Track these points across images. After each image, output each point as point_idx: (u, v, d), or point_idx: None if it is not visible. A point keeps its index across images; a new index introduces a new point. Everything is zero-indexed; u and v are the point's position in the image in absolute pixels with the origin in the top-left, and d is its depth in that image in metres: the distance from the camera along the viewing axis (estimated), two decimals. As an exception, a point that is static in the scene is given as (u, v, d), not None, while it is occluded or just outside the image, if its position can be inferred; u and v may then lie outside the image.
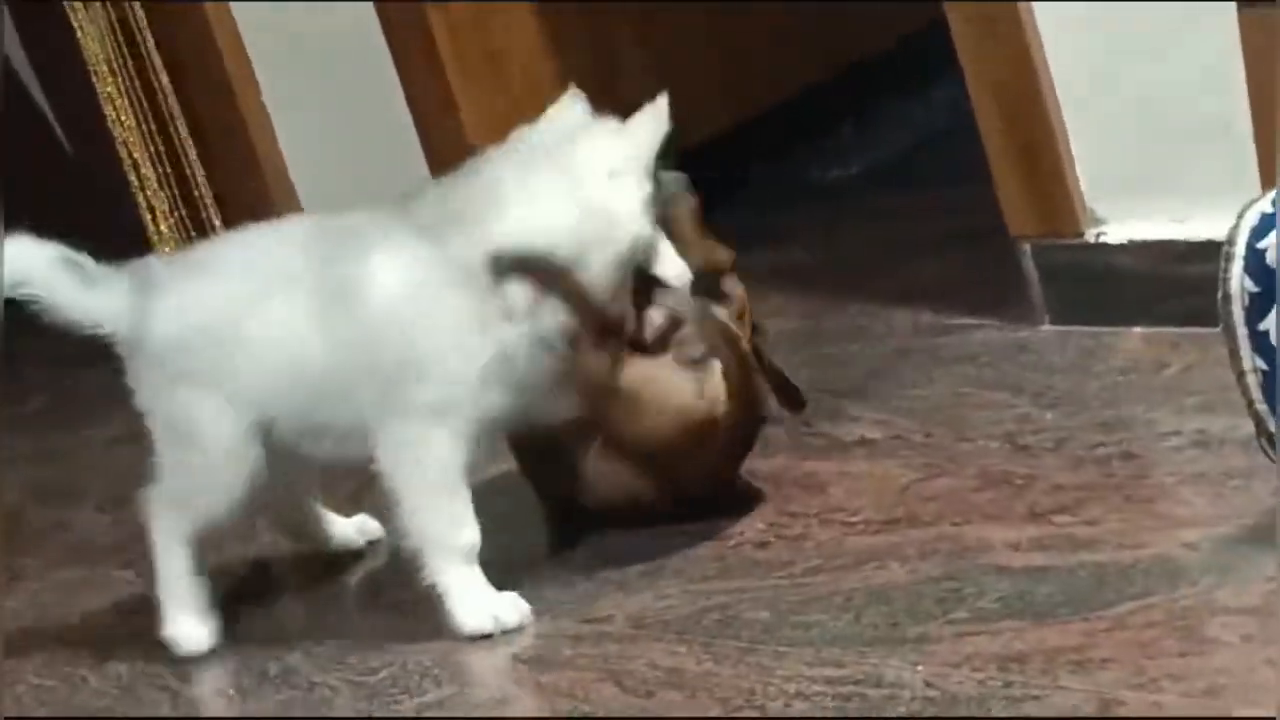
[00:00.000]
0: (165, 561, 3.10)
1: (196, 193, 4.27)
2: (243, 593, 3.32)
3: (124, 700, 3.07)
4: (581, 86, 4.20)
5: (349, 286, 2.96)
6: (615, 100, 4.22)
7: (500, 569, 3.06)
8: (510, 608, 2.93)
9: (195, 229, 4.27)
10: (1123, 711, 2.37)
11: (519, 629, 2.90)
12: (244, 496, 3.04)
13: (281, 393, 2.99)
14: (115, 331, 3.07)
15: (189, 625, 3.09)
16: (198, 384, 3.02)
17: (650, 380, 3.03)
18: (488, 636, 2.89)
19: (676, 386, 3.03)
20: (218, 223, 4.26)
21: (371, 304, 2.94)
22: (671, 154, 3.02)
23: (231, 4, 4.28)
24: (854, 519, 2.99)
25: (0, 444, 4.24)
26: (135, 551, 3.49)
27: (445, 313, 2.92)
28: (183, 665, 3.12)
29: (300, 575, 3.34)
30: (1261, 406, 1.94)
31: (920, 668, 2.56)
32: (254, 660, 3.07)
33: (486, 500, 3.10)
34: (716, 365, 3.02)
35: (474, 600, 2.93)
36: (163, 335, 3.03)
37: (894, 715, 2.48)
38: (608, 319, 2.96)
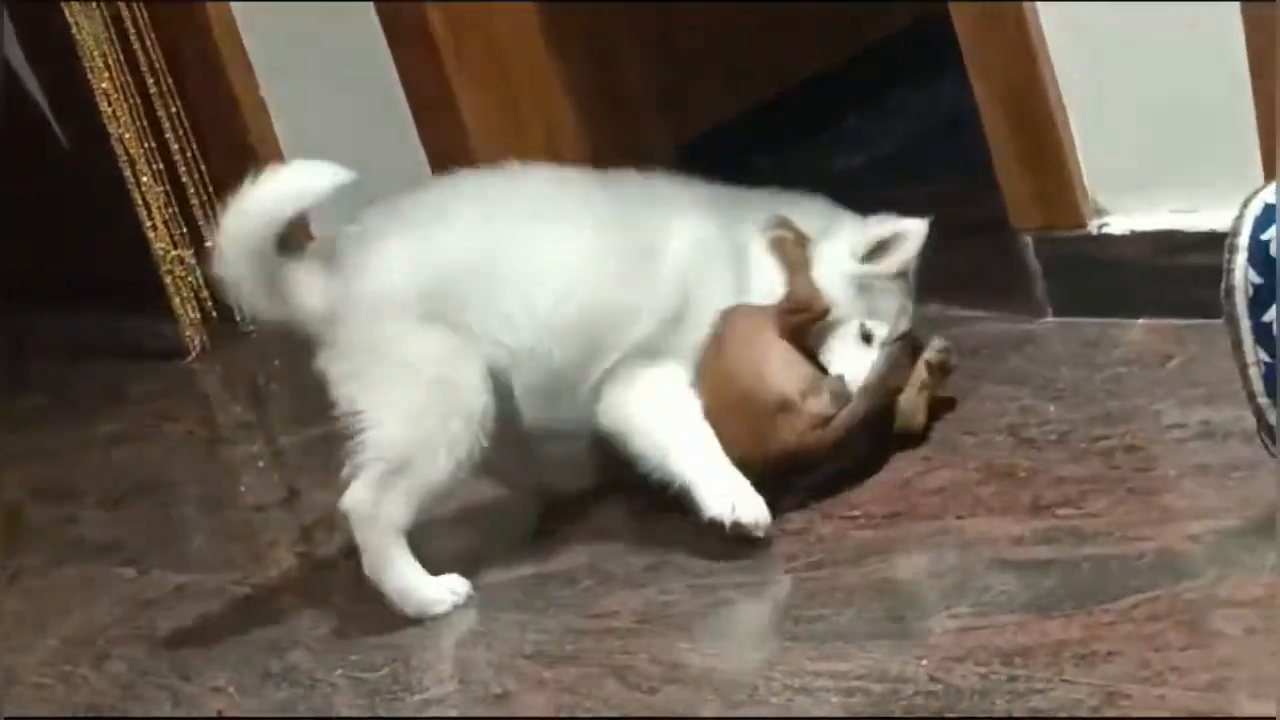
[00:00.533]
0: (390, 557, 3.02)
1: (193, 189, 4.27)
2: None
3: (124, 699, 3.07)
4: (582, 82, 4.24)
5: (647, 242, 3.12)
6: (615, 95, 4.26)
7: (502, 565, 3.08)
8: (752, 503, 2.97)
9: (190, 225, 4.26)
10: (1127, 705, 2.36)
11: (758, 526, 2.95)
12: (475, 452, 3.01)
13: (532, 336, 3.05)
14: (312, 309, 3.04)
15: (432, 587, 3.05)
16: (439, 326, 3.02)
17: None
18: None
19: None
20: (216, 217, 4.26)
21: (664, 260, 3.11)
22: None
23: (230, 2, 4.29)
24: (856, 513, 2.99)
25: (1, 442, 4.25)
26: (135, 549, 3.51)
27: (718, 280, 3.13)
28: (181, 663, 3.12)
29: (298, 570, 3.34)
30: (1264, 400, 1.94)
31: (924, 661, 2.56)
32: (255, 658, 3.08)
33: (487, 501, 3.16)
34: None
35: (720, 488, 2.98)
36: (392, 282, 3.03)
37: (898, 709, 2.48)
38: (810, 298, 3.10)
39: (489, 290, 3.04)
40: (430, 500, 3.01)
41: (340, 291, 3.02)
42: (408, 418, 3.00)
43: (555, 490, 3.25)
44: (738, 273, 3.17)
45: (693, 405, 3.06)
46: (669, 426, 3.05)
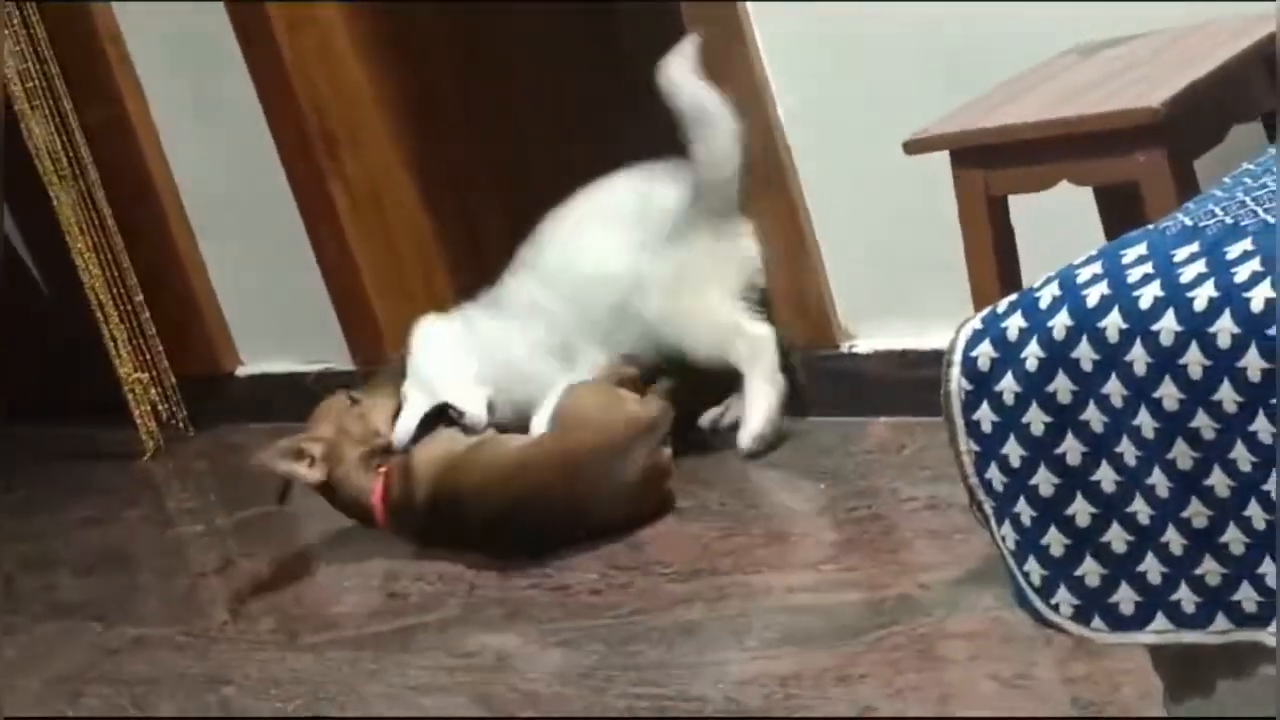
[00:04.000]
0: None
1: (148, 324, 4.25)
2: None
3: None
4: (448, 230, 4.21)
5: None
6: (475, 240, 4.24)
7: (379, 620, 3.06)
8: None
9: (146, 353, 4.23)
10: (876, 715, 2.38)
11: None
12: None
13: None
14: None
15: None
16: None
17: None
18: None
19: None
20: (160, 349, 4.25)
21: None
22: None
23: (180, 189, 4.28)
24: (668, 570, 2.98)
25: (-6, 525, 4.21)
26: (102, 608, 3.46)
27: None
28: (139, 699, 3.08)
29: (231, 624, 3.31)
30: (973, 480, 1.94)
31: (720, 684, 2.57)
32: (196, 692, 3.05)
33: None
34: None
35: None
36: None
37: (700, 724, 2.49)
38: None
39: None
40: None
41: None
42: None
43: None
44: None
45: None
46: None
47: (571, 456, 3.15)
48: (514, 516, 3.14)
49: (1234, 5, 2.61)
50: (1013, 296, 1.93)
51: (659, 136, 4.33)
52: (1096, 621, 1.90)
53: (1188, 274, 1.80)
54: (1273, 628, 1.82)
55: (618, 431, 3.16)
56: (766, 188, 3.30)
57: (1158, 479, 1.82)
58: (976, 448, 1.91)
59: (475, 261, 4.21)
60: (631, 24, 4.49)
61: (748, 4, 3.23)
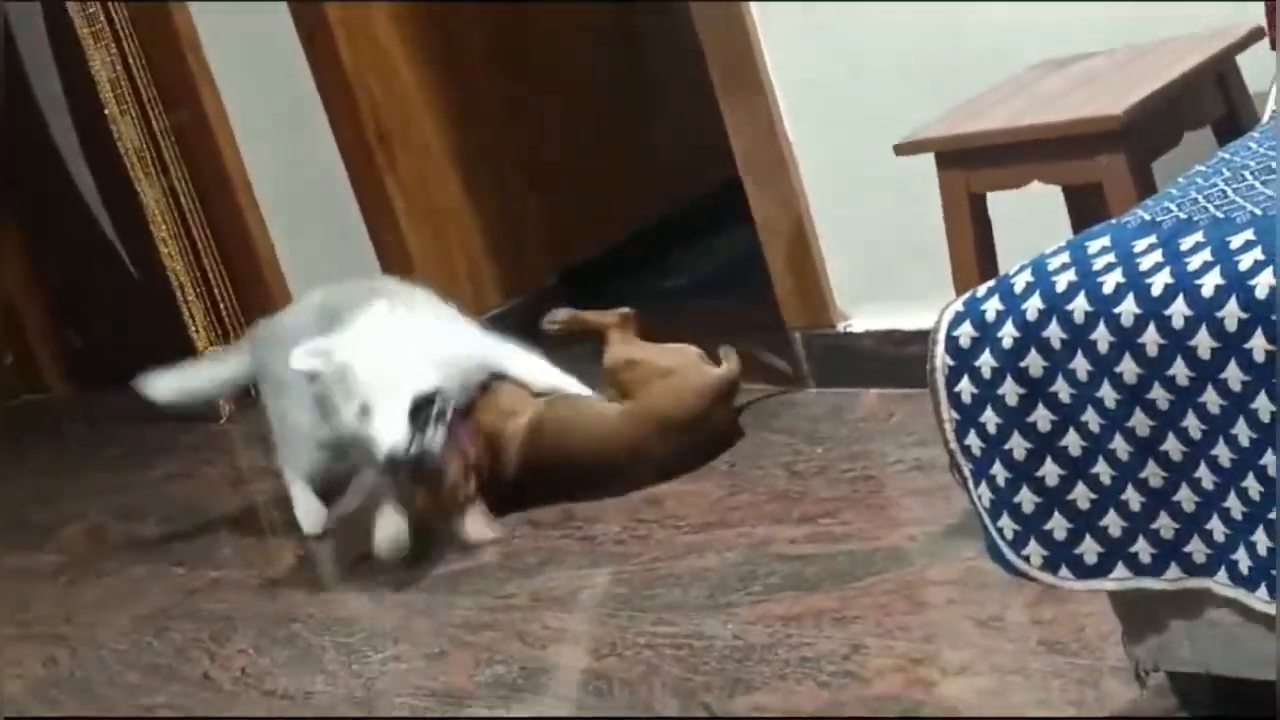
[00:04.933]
0: None
1: (223, 301, 4.25)
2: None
3: (176, 658, 3.05)
4: (491, 227, 4.22)
5: None
6: (516, 237, 4.25)
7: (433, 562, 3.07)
8: None
9: (220, 326, 4.25)
10: (867, 652, 2.39)
11: None
12: None
13: None
14: None
15: None
16: None
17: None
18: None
19: None
20: (242, 321, 4.26)
21: None
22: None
23: (252, 182, 4.28)
24: (683, 523, 2.99)
25: (89, 480, 4.20)
26: (183, 553, 3.48)
27: None
28: (216, 633, 3.09)
29: (297, 567, 3.32)
30: (954, 445, 1.95)
31: (729, 625, 2.58)
32: (267, 628, 3.05)
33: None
34: None
35: None
36: None
37: (712, 657, 2.48)
38: None
39: None
40: None
41: None
42: None
43: None
44: None
45: None
46: None
47: (669, 414, 3.15)
48: (620, 469, 3.13)
49: (1186, 25, 2.61)
50: (990, 282, 1.93)
51: (675, 133, 4.39)
52: (1063, 571, 1.91)
53: (1146, 263, 1.81)
54: (1221, 575, 1.83)
55: (707, 391, 3.17)
56: (771, 187, 3.30)
57: (1119, 444, 1.82)
58: (957, 416, 1.92)
59: (510, 243, 4.23)
60: (648, 30, 4.50)
61: (760, 37, 3.23)
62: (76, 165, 4.51)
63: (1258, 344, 1.70)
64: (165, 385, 3.62)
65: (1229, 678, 1.94)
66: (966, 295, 1.94)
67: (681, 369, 3.20)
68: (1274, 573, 1.76)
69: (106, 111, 4.10)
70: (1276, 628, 1.73)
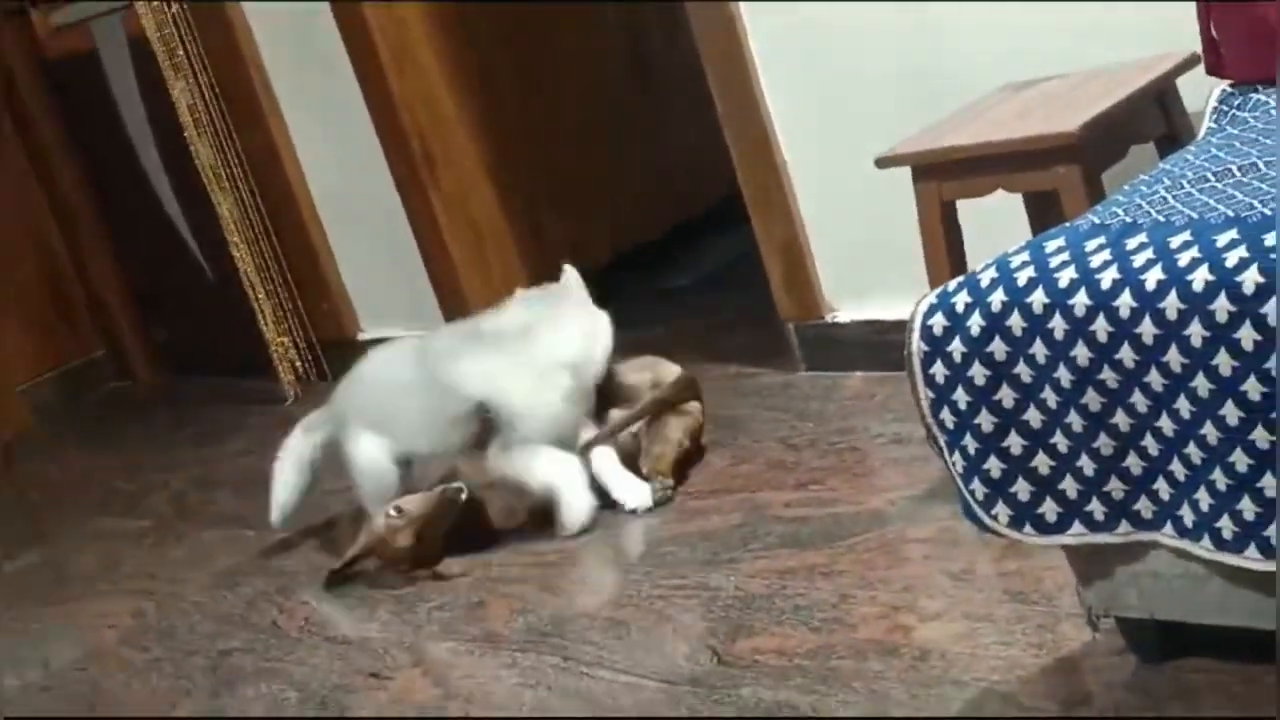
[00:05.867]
0: None
1: (288, 300, 4.26)
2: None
3: (248, 610, 3.05)
4: (524, 235, 4.21)
5: None
6: (543, 240, 4.25)
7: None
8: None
9: (287, 321, 4.25)
10: (854, 601, 2.39)
11: None
12: None
13: None
14: None
15: None
16: None
17: None
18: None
19: None
20: (305, 317, 4.26)
21: None
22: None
23: (314, 195, 4.28)
24: (691, 489, 2.98)
25: (171, 455, 4.21)
26: (254, 519, 3.47)
27: None
28: (283, 588, 3.09)
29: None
30: (930, 420, 1.95)
31: (731, 578, 2.58)
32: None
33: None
34: None
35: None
36: None
37: (717, 607, 2.48)
38: None
39: None
40: None
41: None
42: None
43: None
44: None
45: None
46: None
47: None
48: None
49: (1131, 53, 2.60)
50: (960, 278, 1.93)
51: (684, 151, 4.39)
52: (1027, 528, 1.92)
53: (1096, 261, 1.81)
54: (1167, 528, 1.83)
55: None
56: (767, 196, 3.29)
57: (1073, 418, 1.83)
58: (932, 395, 1.92)
59: (536, 248, 4.23)
60: (659, 59, 4.50)
61: (759, 70, 3.21)
62: (160, 181, 4.50)
63: (1195, 330, 1.70)
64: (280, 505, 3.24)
65: (1170, 621, 1.95)
66: (939, 289, 1.94)
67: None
68: (1217, 526, 1.76)
69: (186, 134, 4.10)
70: (1276, 589, 1.72)
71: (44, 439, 4.76)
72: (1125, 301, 1.75)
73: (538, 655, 2.52)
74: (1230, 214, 1.78)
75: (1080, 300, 1.78)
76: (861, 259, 3.22)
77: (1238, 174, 1.93)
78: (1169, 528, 1.82)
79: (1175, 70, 2.52)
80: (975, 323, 1.87)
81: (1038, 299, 1.82)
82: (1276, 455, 1.65)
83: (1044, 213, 2.57)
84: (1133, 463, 1.82)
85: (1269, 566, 1.73)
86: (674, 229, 4.49)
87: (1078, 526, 1.88)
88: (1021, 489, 1.89)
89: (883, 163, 2.61)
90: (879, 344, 3.11)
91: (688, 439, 3.03)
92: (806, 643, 2.31)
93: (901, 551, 2.52)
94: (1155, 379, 1.75)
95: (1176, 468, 1.78)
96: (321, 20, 3.93)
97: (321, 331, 4.27)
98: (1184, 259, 1.73)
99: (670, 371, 3.10)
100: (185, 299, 4.73)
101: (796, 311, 3.35)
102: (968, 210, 2.59)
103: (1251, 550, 1.74)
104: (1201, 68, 2.40)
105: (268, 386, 4.25)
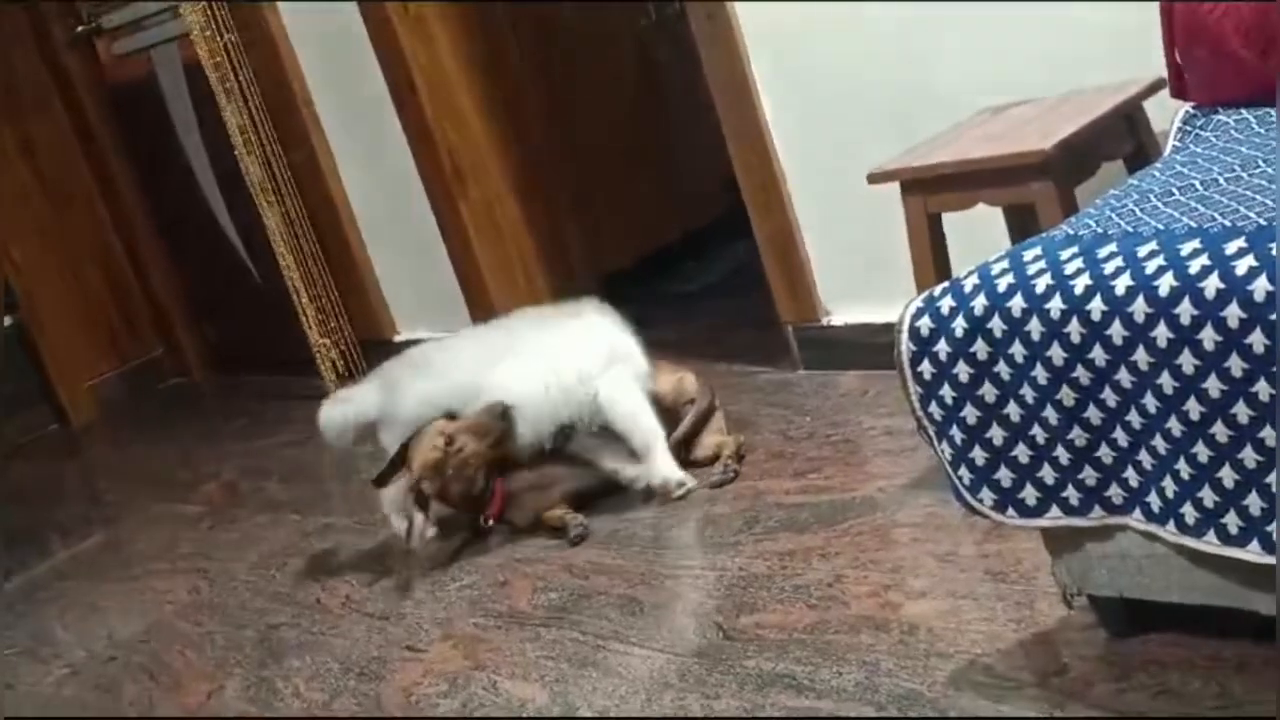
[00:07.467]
0: None
1: (330, 304, 4.25)
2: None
3: (294, 588, 3.05)
4: (545, 241, 4.20)
5: None
6: (561, 244, 4.24)
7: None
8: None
9: (329, 323, 4.25)
10: (847, 580, 2.38)
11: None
12: None
13: None
14: None
15: None
16: None
17: None
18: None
19: None
20: (345, 318, 4.26)
21: None
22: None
23: (354, 208, 4.27)
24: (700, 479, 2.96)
25: (224, 446, 4.22)
26: (299, 504, 3.48)
27: None
28: (326, 569, 3.09)
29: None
30: (919, 413, 1.95)
31: (736, 559, 2.58)
32: (368, 566, 3.04)
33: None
34: None
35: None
36: None
37: (721, 585, 2.47)
38: None
39: None
40: None
41: None
42: None
43: None
44: None
45: None
46: None
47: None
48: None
49: (1101, 77, 2.59)
50: (945, 284, 1.93)
51: (694, 167, 4.38)
52: (1009, 512, 1.91)
53: (1070, 268, 1.80)
54: (1136, 514, 1.82)
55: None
56: (766, 206, 3.28)
57: (1049, 413, 1.82)
58: (920, 390, 1.91)
59: (557, 256, 4.23)
60: (673, 81, 4.49)
61: (760, 91, 3.20)
62: (213, 196, 4.52)
63: (1161, 332, 1.70)
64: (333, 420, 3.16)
65: (1137, 599, 1.94)
66: (925, 294, 1.94)
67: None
68: (1181, 511, 1.75)
69: (236, 153, 4.11)
70: (1276, 579, 1.71)
71: (109, 431, 4.79)
72: (1097, 306, 1.74)
73: (558, 630, 2.52)
74: (1193, 225, 1.77)
75: (1055, 305, 1.78)
76: (855, 266, 3.21)
77: (1200, 189, 1.93)
78: (1138, 513, 1.82)
79: (1142, 93, 2.51)
80: (959, 325, 1.86)
81: (1016, 303, 1.82)
82: (1277, 455, 1.65)
83: (1022, 224, 2.56)
84: (1104, 453, 1.81)
85: (1225, 551, 1.73)
86: (683, 238, 4.49)
87: (1055, 510, 1.88)
88: (1004, 476, 1.89)
89: (874, 179, 2.60)
90: (871, 345, 3.09)
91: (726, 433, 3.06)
92: (805, 618, 2.31)
93: (891, 535, 2.51)
94: (1124, 377, 1.75)
95: (1144, 458, 1.78)
96: (362, 48, 3.94)
97: (361, 332, 4.26)
98: (1151, 267, 1.72)
99: (688, 378, 3.10)
100: (236, 303, 4.74)
101: (795, 315, 3.34)
102: (952, 222, 2.58)
103: (1210, 535, 1.74)
104: (1167, 91, 2.40)
105: (311, 383, 4.25)
